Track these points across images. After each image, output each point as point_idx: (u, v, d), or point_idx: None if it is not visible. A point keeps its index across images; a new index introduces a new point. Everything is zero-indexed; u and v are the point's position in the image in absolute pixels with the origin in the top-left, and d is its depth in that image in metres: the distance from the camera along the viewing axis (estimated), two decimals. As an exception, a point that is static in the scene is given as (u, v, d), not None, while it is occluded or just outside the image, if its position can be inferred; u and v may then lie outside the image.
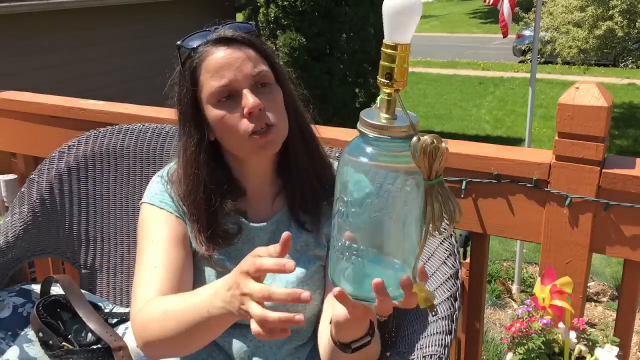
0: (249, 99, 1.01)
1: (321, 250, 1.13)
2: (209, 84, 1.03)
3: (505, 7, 5.53)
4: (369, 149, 0.74)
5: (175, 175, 1.13)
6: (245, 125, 1.02)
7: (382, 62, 0.74)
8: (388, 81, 0.73)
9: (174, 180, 1.13)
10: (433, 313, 0.86)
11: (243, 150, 1.06)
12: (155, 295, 1.03)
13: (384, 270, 0.77)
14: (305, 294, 0.75)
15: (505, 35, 5.80)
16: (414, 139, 0.71)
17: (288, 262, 0.77)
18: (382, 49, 0.74)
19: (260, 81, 1.04)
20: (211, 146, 1.09)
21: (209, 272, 1.11)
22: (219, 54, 1.03)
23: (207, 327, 0.91)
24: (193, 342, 0.95)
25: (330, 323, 0.95)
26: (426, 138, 0.70)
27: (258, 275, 0.81)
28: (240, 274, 0.82)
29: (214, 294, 0.88)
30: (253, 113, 1.01)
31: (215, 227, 1.09)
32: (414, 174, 0.72)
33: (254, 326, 0.78)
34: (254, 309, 0.78)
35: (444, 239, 1.22)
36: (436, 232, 0.74)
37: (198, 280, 1.11)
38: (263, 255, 0.81)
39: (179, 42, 1.07)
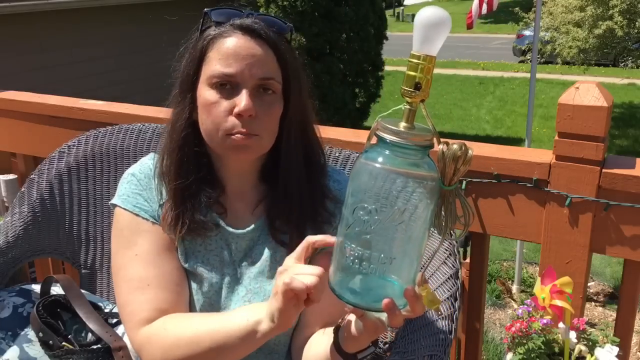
0: (243, 101, 0.96)
1: None
2: (214, 64, 0.98)
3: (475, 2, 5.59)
4: (386, 155, 0.74)
5: (162, 147, 1.08)
6: (230, 122, 0.98)
7: (408, 72, 0.75)
8: (414, 91, 0.75)
9: (161, 154, 1.07)
10: (439, 314, 0.88)
11: (216, 144, 1.01)
12: (157, 314, 1.02)
13: (391, 280, 0.77)
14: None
15: (469, 27, 5.86)
16: (442, 145, 0.74)
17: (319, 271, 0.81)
18: (409, 59, 0.75)
19: (263, 86, 0.99)
20: (195, 126, 1.04)
21: (192, 285, 1.08)
22: (237, 41, 0.98)
23: (248, 347, 0.94)
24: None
25: (334, 332, 0.93)
26: (455, 145, 0.73)
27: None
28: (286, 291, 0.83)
29: (255, 322, 0.90)
30: (242, 117, 0.97)
31: (189, 211, 1.04)
32: (427, 182, 0.74)
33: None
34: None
35: (444, 238, 1.22)
36: (446, 237, 0.76)
37: None
38: (292, 265, 0.84)
39: (207, 10, 1.02)
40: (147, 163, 1.12)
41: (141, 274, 1.04)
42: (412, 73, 0.75)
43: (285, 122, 1.04)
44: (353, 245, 0.76)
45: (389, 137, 0.74)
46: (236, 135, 0.98)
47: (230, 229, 1.08)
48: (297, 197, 1.05)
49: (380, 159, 0.74)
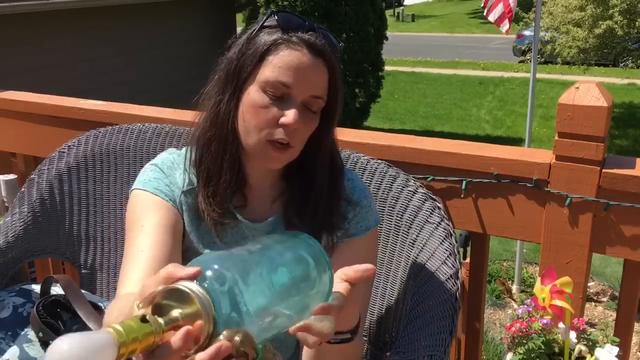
0: (292, 114, 0.99)
1: None
2: (272, 71, 1.00)
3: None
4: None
5: (200, 136, 1.08)
6: (274, 130, 1.01)
7: None
8: None
9: (198, 146, 1.08)
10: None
11: (252, 145, 1.04)
12: (138, 282, 0.99)
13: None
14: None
15: (508, 31, 5.61)
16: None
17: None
18: None
19: (311, 104, 1.03)
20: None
21: None
22: (302, 57, 1.00)
23: None
24: None
25: None
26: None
27: None
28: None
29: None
30: (288, 128, 1.00)
31: (217, 199, 1.06)
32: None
33: None
34: None
35: (444, 238, 1.22)
36: None
37: None
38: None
39: (274, 10, 1.05)
40: (168, 157, 1.14)
41: (139, 242, 1.04)
42: None
43: (323, 138, 1.08)
44: None
45: None
46: (277, 142, 1.01)
47: (247, 222, 1.11)
48: (319, 200, 1.09)
49: None
